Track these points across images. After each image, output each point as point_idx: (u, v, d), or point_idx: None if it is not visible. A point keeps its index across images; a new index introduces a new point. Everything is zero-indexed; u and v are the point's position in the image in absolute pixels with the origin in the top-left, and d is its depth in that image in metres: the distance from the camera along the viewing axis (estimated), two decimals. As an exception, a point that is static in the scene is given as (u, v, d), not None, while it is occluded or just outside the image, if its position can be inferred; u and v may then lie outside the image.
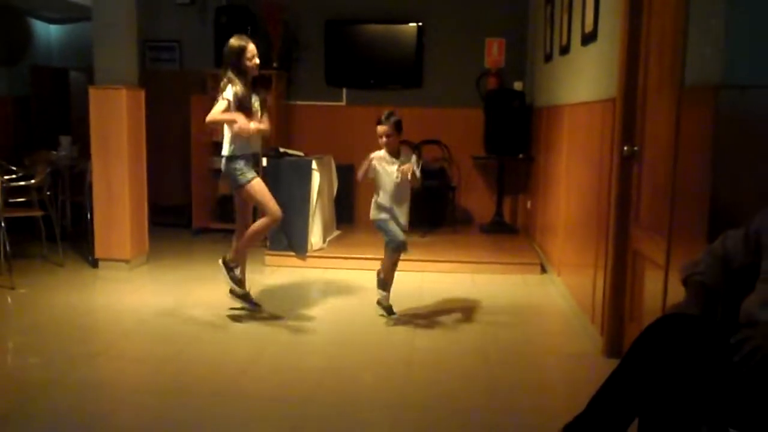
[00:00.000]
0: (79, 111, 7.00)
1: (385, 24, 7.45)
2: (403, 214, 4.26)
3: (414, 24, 7.39)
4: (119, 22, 5.48)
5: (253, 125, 4.13)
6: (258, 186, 4.20)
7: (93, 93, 5.44)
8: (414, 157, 4.28)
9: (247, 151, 4.22)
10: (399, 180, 4.14)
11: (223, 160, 4.24)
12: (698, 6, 2.64)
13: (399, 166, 4.14)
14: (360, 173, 4.21)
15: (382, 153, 4.19)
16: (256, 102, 4.26)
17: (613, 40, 3.73)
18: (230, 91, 4.11)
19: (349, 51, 7.52)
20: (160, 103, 6.85)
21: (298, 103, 7.64)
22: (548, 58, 6.06)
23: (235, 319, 4.33)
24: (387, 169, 4.17)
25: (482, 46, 7.41)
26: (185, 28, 7.58)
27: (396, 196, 4.20)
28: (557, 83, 5.60)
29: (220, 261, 4.31)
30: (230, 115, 4.08)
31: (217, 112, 4.09)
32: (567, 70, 5.18)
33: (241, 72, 4.16)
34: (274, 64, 7.11)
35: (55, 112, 8.08)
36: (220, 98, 4.12)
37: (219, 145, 7.31)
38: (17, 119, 7.60)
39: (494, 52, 7.42)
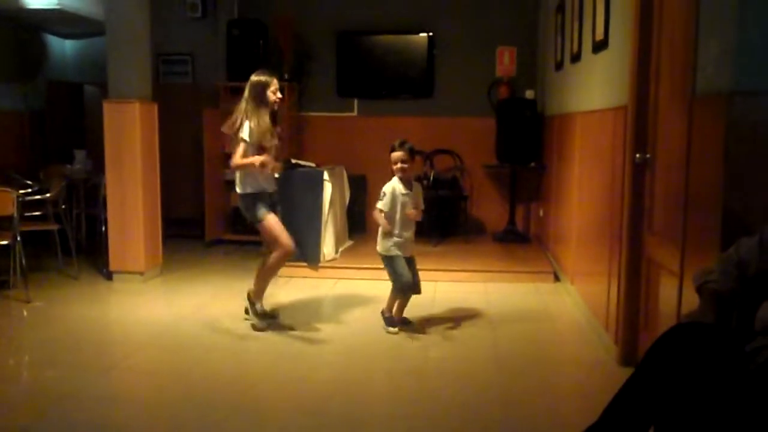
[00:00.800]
0: (94, 125, 7.06)
1: (396, 35, 7.49)
2: (411, 240, 4.26)
3: (425, 34, 7.42)
4: (133, 37, 5.54)
5: (270, 163, 4.19)
6: (268, 223, 4.24)
7: (107, 107, 5.50)
8: (419, 188, 4.31)
9: (258, 189, 4.25)
10: (410, 216, 4.16)
11: (239, 197, 4.33)
12: (709, 13, 2.63)
13: (411, 196, 4.15)
14: (383, 222, 4.16)
15: (395, 183, 4.17)
16: (274, 138, 4.30)
17: (624, 48, 3.73)
18: (246, 129, 4.17)
19: (361, 62, 7.55)
20: (172, 116, 6.90)
21: (310, 114, 7.68)
22: (559, 66, 6.06)
23: (248, 330, 4.34)
24: (400, 199, 4.16)
25: (493, 55, 7.42)
26: (197, 42, 7.65)
27: (406, 224, 4.21)
28: (568, 91, 5.59)
29: (247, 294, 4.45)
30: (250, 159, 4.15)
31: (238, 157, 4.17)
32: (578, 78, 5.17)
33: (264, 104, 4.22)
34: (286, 76, 7.15)
35: (69, 126, 8.16)
36: (239, 137, 4.18)
37: (231, 157, 7.36)
38: (33, 134, 7.69)
39: (505, 61, 7.43)
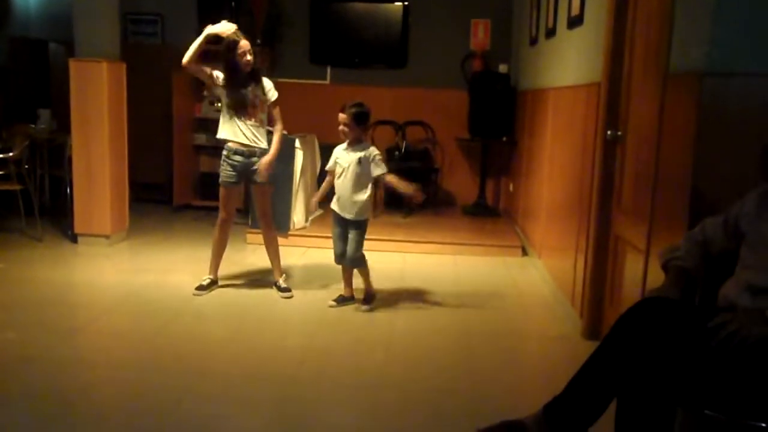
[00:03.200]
0: (59, 84, 6.88)
1: (371, 2, 7.40)
2: (350, 206, 4.06)
3: (400, 3, 7.35)
4: (100, -6, 5.39)
5: (230, 25, 4.16)
6: (222, 191, 4.29)
7: (73, 66, 5.35)
8: (374, 153, 4.06)
9: (234, 138, 4.22)
10: (358, 171, 4.02)
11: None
12: (685, -8, 2.64)
13: (358, 156, 4.03)
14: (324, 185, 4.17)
15: (341, 145, 4.12)
16: (250, 95, 4.22)
17: (600, 25, 3.73)
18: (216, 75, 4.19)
19: (334, 29, 7.46)
20: (141, 78, 6.75)
21: (282, 80, 7.54)
22: (534, 41, 6.06)
23: (215, 295, 4.32)
24: (342, 156, 4.08)
25: (468, 28, 7.38)
26: (167, 1, 7.47)
27: (347, 186, 4.04)
28: (542, 67, 5.60)
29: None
30: (202, 38, 4.15)
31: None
32: (552, 54, 5.18)
33: (233, 69, 4.15)
34: (258, 41, 7.02)
35: (34, 84, 7.94)
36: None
37: (201, 122, 7.24)
38: (-5, 91, 7.47)
39: (480, 34, 7.40)
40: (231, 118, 4.23)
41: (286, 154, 5.77)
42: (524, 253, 5.74)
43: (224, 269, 4.57)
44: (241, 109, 4.21)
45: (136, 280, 4.65)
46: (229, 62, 4.16)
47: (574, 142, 4.24)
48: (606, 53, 3.56)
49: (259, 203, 4.41)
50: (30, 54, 7.95)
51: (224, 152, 4.28)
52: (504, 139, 6.97)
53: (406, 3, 7.34)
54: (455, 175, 7.58)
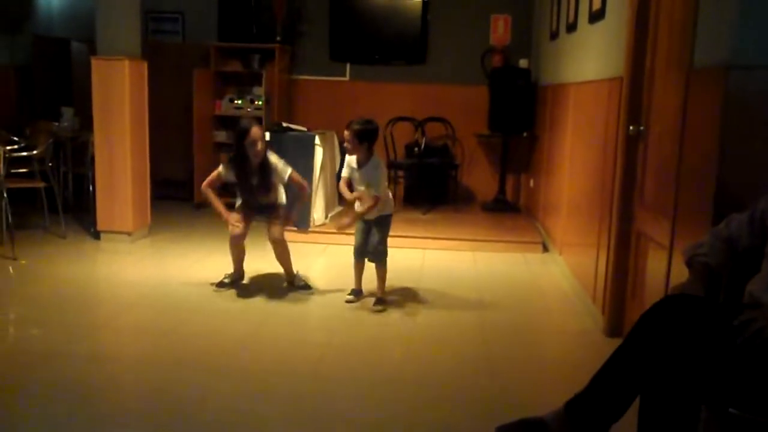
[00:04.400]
0: (82, 82, 6.95)
1: (390, -1, 7.39)
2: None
3: (419, -1, 7.32)
4: (122, -8, 5.43)
5: (236, 223, 4.20)
6: (239, 214, 4.32)
7: (95, 64, 5.40)
8: (380, 169, 4.05)
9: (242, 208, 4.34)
10: (363, 190, 4.03)
11: None
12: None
13: (364, 177, 4.00)
14: (344, 191, 4.12)
15: (353, 159, 4.08)
16: (259, 187, 4.23)
17: (621, 18, 3.69)
18: (222, 167, 4.25)
19: (354, 25, 7.45)
20: (162, 76, 6.81)
21: (302, 77, 7.60)
22: (554, 35, 6.01)
23: (237, 292, 4.34)
24: (354, 173, 4.07)
25: (488, 23, 7.34)
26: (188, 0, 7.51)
27: (364, 198, 4.07)
28: (563, 61, 5.55)
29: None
30: (223, 210, 4.20)
31: (211, 184, 4.24)
32: (573, 48, 5.13)
33: (241, 159, 4.13)
34: (278, 38, 7.06)
35: (57, 82, 8.03)
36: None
37: (222, 119, 7.28)
38: (19, 89, 7.56)
39: (500, 29, 7.35)
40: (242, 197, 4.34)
41: (305, 150, 5.80)
42: (545, 249, 5.70)
43: (246, 265, 4.58)
44: (251, 197, 4.28)
45: (157, 277, 4.69)
46: (238, 151, 4.13)
47: (595, 137, 4.20)
48: (628, 47, 3.51)
49: (273, 233, 4.34)
50: (53, 53, 8.04)
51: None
52: (524, 134, 6.93)
53: (425, -1, 7.32)
54: (475, 171, 7.55)
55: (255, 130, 4.08)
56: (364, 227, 4.16)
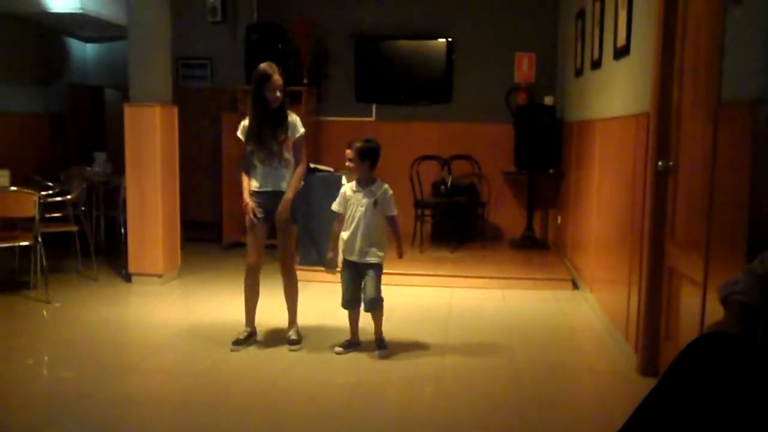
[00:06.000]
0: (114, 128, 7.12)
1: (414, 39, 7.49)
2: (365, 250, 3.92)
3: (443, 39, 7.41)
4: (154, 41, 5.59)
5: (252, 214, 4.08)
6: (248, 237, 4.17)
7: (128, 110, 5.54)
8: (386, 191, 3.96)
9: (260, 188, 4.08)
10: (374, 213, 3.91)
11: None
12: (735, 20, 2.60)
13: (365, 194, 3.92)
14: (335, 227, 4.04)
15: (350, 183, 4.02)
16: (272, 141, 4.00)
17: (647, 55, 3.70)
18: (241, 127, 4.08)
19: (379, 67, 7.56)
20: (191, 120, 6.94)
21: (328, 118, 7.69)
22: (579, 72, 6.02)
23: (265, 333, 4.34)
24: (351, 198, 3.96)
25: (512, 61, 7.40)
26: (217, 46, 7.69)
27: (359, 226, 3.92)
28: (589, 98, 5.55)
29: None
30: (246, 195, 4.09)
31: (243, 164, 4.13)
32: (599, 85, 5.14)
33: (260, 102, 3.96)
34: (305, 80, 7.17)
35: (90, 129, 8.24)
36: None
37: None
38: (53, 136, 7.76)
39: (524, 67, 7.40)
40: (257, 162, 4.08)
41: (333, 190, 5.82)
42: (575, 286, 5.64)
43: (272, 305, 4.58)
44: (264, 151, 4.02)
45: (187, 319, 4.72)
46: (256, 95, 3.97)
47: (623, 172, 4.17)
48: (654, 83, 3.51)
49: (281, 242, 4.19)
50: (87, 100, 8.27)
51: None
52: (551, 171, 6.91)
53: (449, 39, 7.40)
54: (502, 208, 7.53)
55: (276, 78, 3.93)
56: (353, 277, 3.99)
